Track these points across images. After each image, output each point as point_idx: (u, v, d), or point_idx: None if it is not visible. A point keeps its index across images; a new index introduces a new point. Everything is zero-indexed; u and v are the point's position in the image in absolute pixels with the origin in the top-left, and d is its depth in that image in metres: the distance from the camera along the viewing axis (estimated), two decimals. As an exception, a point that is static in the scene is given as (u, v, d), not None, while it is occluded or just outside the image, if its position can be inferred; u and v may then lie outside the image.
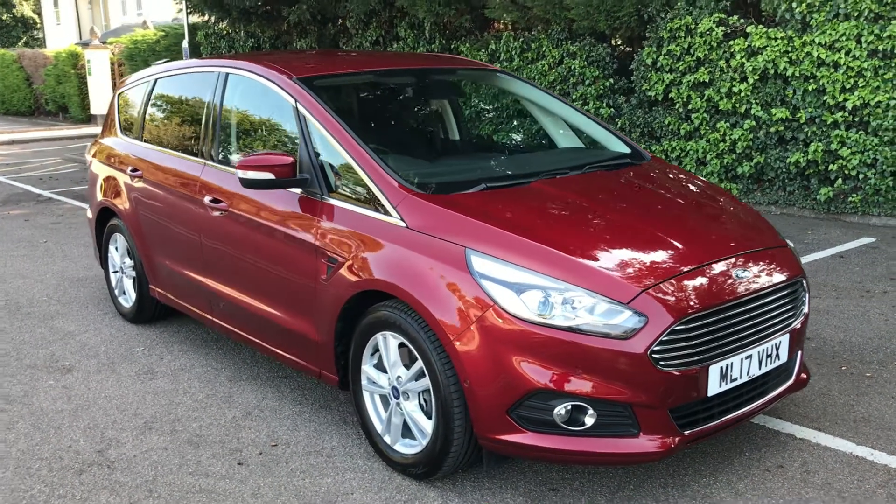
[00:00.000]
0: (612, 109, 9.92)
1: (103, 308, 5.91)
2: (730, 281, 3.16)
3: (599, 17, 9.53)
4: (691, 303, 3.00)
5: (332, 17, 13.30)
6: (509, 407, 2.99)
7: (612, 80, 9.96)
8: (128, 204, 5.19)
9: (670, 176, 4.12)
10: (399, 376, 3.36)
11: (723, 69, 8.76)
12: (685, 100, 9.13)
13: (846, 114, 7.91)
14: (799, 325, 3.43)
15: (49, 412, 4.21)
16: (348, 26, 13.35)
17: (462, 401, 3.09)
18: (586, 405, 2.94)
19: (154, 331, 5.38)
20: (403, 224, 3.34)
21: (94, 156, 5.79)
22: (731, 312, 3.09)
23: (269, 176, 3.71)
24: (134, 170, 5.13)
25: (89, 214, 5.90)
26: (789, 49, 8.21)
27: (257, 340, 4.20)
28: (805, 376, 3.59)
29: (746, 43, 8.51)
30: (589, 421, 2.95)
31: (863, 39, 7.71)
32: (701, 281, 3.10)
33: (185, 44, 15.65)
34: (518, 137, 4.48)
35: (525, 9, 10.39)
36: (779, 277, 3.31)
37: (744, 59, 8.55)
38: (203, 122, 4.58)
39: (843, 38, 7.80)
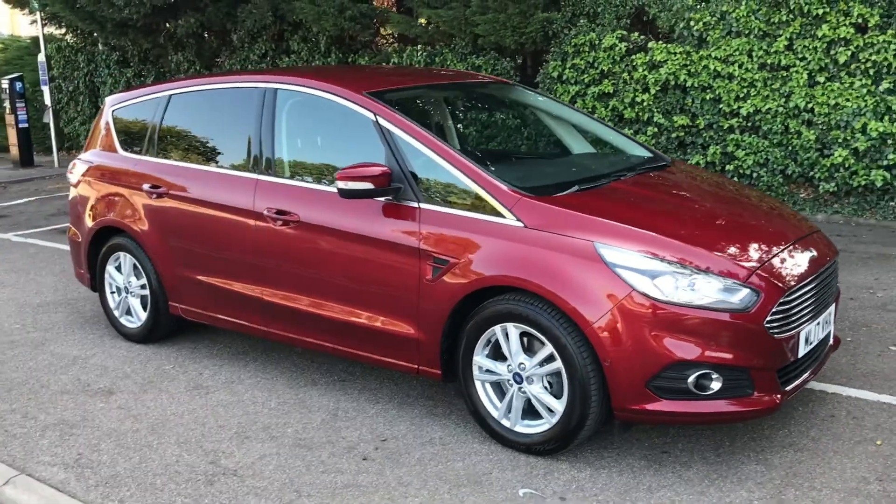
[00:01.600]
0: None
1: (94, 331, 5.75)
2: (806, 260, 3.76)
3: (506, 32, 10.12)
4: (789, 279, 3.57)
5: (218, 29, 13.13)
6: (648, 379, 3.42)
7: (516, 92, 10.58)
8: (145, 221, 5.14)
9: (704, 175, 4.71)
10: (521, 363, 3.70)
11: (626, 81, 9.60)
12: (591, 109, 9.89)
13: (740, 119, 8.94)
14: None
15: (125, 432, 4.18)
16: (234, 40, 13.22)
17: (598, 378, 3.49)
18: (714, 372, 3.42)
19: (167, 349, 5.33)
20: (521, 224, 3.69)
21: (83, 175, 5.63)
22: (812, 286, 3.70)
23: (369, 186, 3.94)
24: (154, 186, 5.09)
25: (76, 237, 5.71)
26: (688, 62, 9.16)
27: (333, 345, 4.37)
28: (838, 339, 4.27)
29: (647, 57, 9.39)
30: (715, 385, 3.43)
31: (753, 54, 8.76)
32: (790, 260, 3.68)
33: (41, 58, 14.80)
34: (558, 144, 4.90)
35: (431, 25, 10.81)
36: (828, 255, 3.96)
37: (646, 72, 9.42)
38: (252, 136, 4.66)
39: (736, 52, 8.83)
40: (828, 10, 8.31)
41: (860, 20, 8.19)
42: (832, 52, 8.38)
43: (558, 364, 3.57)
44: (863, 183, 8.37)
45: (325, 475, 3.68)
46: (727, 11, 8.88)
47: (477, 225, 3.80)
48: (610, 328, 3.42)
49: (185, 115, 5.18)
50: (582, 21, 9.89)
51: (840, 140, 8.39)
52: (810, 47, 8.46)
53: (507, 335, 3.73)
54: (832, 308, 3.98)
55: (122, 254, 5.40)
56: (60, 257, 7.95)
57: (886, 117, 8.14)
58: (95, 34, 14.17)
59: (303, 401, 4.48)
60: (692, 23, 9.05)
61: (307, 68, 6.90)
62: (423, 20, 10.30)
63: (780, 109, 8.69)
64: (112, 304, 5.57)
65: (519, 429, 3.78)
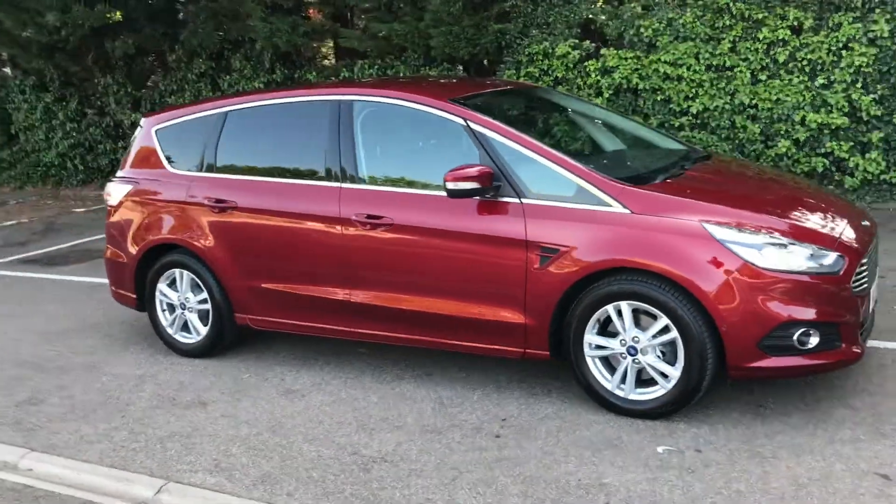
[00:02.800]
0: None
1: (140, 350, 5.78)
2: (865, 230, 4.34)
3: (460, 44, 10.54)
4: (861, 245, 4.13)
5: (153, 50, 12.97)
6: (759, 340, 3.89)
7: (470, 101, 11.01)
8: (209, 236, 5.24)
9: (742, 163, 5.27)
10: (635, 337, 4.10)
11: (580, 86, 10.20)
12: (547, 114, 10.42)
13: (690, 118, 9.67)
14: (873, 262, 4.71)
15: (246, 437, 4.32)
16: (169, 60, 13.10)
17: (712, 344, 3.93)
18: (812, 329, 3.92)
19: (231, 361, 5.44)
20: (628, 211, 4.10)
21: (126, 196, 5.66)
22: (872, 252, 4.27)
23: (476, 185, 4.26)
24: (219, 201, 5.21)
25: (119, 257, 5.72)
26: (639, 67, 9.84)
27: (432, 339, 4.64)
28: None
29: (600, 63, 10.02)
30: (814, 341, 3.94)
31: (700, 57, 9.52)
32: (857, 231, 4.25)
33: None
34: (611, 140, 5.32)
35: (383, 39, 11.11)
36: (873, 227, 4.56)
37: (599, 77, 10.04)
38: (329, 147, 4.87)
39: (684, 55, 9.56)
40: (766, 14, 9.15)
41: (796, 23, 9.05)
42: (772, 52, 9.21)
43: (674, 334, 3.99)
44: (805, 169, 9.23)
45: (470, 453, 3.96)
46: (674, 18, 9.61)
47: (584, 214, 4.18)
48: (726, 297, 3.87)
49: (247, 130, 5.32)
50: (534, 31, 10.43)
51: (782, 132, 9.23)
52: (752, 49, 9.27)
53: (619, 313, 4.11)
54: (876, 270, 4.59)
55: (177, 270, 5.47)
56: (45, 286, 7.81)
57: (823, 110, 9.02)
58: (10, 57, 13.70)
59: (402, 394, 4.73)
60: (642, 29, 9.72)
61: (372, 81, 7.12)
62: (382, 34, 10.57)
63: (727, 107, 9.46)
64: (165, 322, 5.62)
65: (633, 397, 4.17)
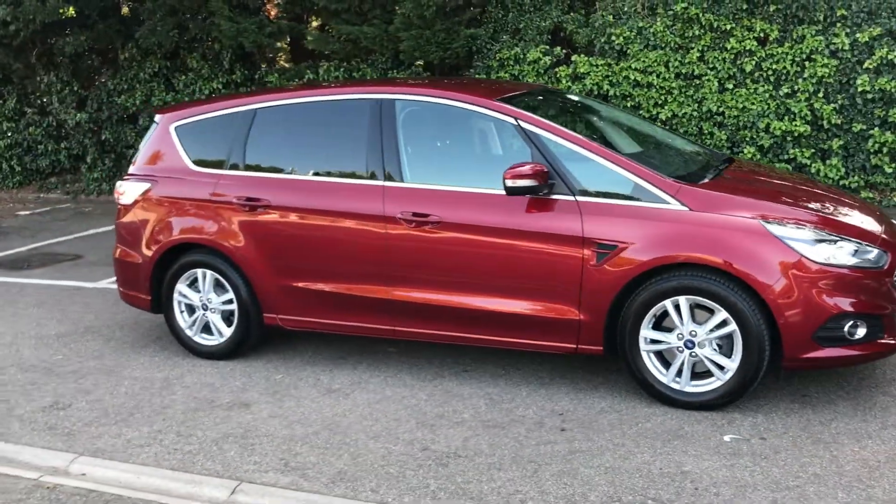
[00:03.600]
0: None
1: (154, 353, 5.63)
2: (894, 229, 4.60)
3: (430, 48, 10.60)
4: (898, 242, 4.39)
5: (101, 47, 12.56)
6: (814, 331, 4.08)
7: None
8: (238, 235, 5.15)
9: (768, 166, 5.49)
10: (693, 331, 4.24)
11: (551, 91, 10.38)
12: (517, 118, 10.57)
13: (660, 124, 9.98)
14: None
15: (305, 436, 4.27)
16: (120, 58, 12.72)
17: (770, 336, 4.11)
18: (860, 320, 4.14)
19: (256, 361, 5.36)
20: (686, 208, 4.25)
21: (143, 195, 5.50)
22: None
23: (533, 183, 4.34)
24: (250, 199, 5.12)
25: (132, 258, 5.55)
26: (609, 74, 10.10)
27: (479, 336, 4.69)
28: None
29: (571, 70, 10.24)
30: (861, 332, 4.16)
31: (669, 65, 9.84)
32: (891, 228, 4.50)
33: None
34: (641, 141, 5.45)
35: (350, 41, 11.07)
36: None
37: (569, 83, 10.26)
38: (371, 145, 4.87)
39: (654, 63, 9.87)
40: (734, 25, 9.53)
41: (762, 34, 9.47)
42: (739, 62, 9.60)
43: (732, 327, 4.15)
44: (769, 175, 9.64)
45: (541, 446, 4.02)
46: (644, 27, 9.91)
47: (642, 211, 4.30)
48: (784, 291, 4.05)
49: (280, 128, 5.25)
50: (505, 37, 10.58)
51: (748, 139, 9.62)
52: (720, 58, 9.65)
53: (676, 307, 4.25)
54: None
55: (199, 270, 5.35)
56: (18, 290, 7.50)
57: (786, 118, 9.45)
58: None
59: (447, 391, 4.75)
60: (613, 37, 9.99)
61: (412, 80, 7.07)
62: (349, 36, 10.53)
63: (695, 113, 9.81)
64: (183, 324, 5.48)
65: (689, 389, 4.31)
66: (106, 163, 13.03)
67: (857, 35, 9.10)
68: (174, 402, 4.79)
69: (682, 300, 4.23)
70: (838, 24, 9.21)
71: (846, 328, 4.11)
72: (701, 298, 4.19)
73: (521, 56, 10.44)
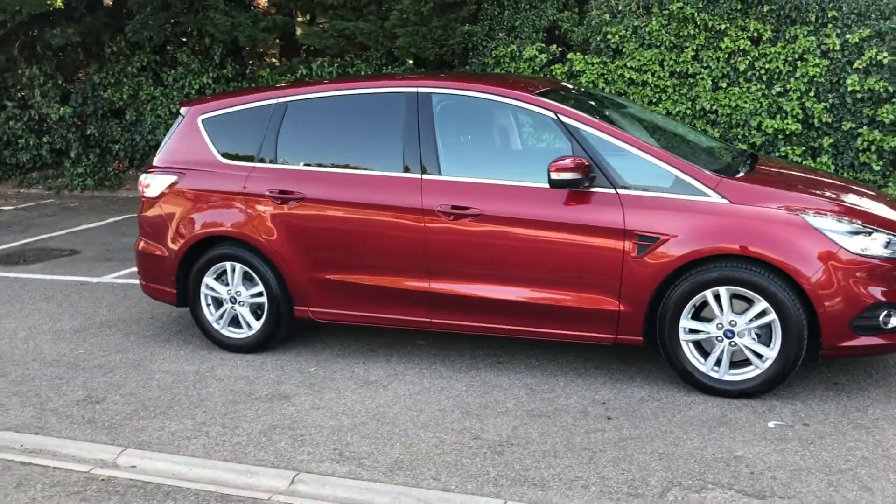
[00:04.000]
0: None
1: (180, 346, 5.61)
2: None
3: (427, 44, 10.63)
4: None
5: (90, 41, 12.39)
6: (851, 320, 4.21)
7: (433, 101, 11.12)
8: (270, 227, 5.15)
9: (787, 162, 5.63)
10: (732, 321, 4.35)
11: (546, 89, 10.48)
12: (513, 115, 10.66)
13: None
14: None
15: (353, 426, 4.30)
16: (107, 52, 12.55)
17: (809, 324, 4.23)
18: (894, 310, 4.28)
19: (286, 355, 5.36)
20: (727, 201, 4.35)
21: (169, 188, 5.47)
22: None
23: (577, 175, 4.42)
24: (284, 192, 5.13)
25: (158, 251, 5.52)
26: (605, 72, 10.23)
27: (516, 327, 4.76)
28: None
29: (566, 67, 10.35)
30: (894, 321, 4.30)
31: (664, 63, 9.99)
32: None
33: None
34: (666, 136, 5.54)
35: (344, 37, 11.07)
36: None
37: (565, 81, 10.36)
38: (407, 138, 4.90)
39: (649, 62, 10.01)
40: (728, 25, 9.71)
41: (755, 34, 9.66)
42: (732, 61, 9.78)
43: (772, 317, 4.27)
44: (761, 172, 9.84)
45: (591, 434, 4.10)
46: (639, 26, 10.05)
47: (684, 204, 4.40)
48: (824, 281, 4.18)
49: (312, 121, 5.25)
50: (501, 34, 10.65)
51: (740, 136, 9.81)
52: (714, 57, 9.82)
53: (716, 297, 4.35)
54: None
55: (228, 263, 5.34)
56: (21, 285, 7.40)
57: (778, 116, 9.66)
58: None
59: (485, 381, 4.80)
60: (609, 36, 10.11)
61: (449, 75, 7.08)
62: (345, 31, 10.52)
63: (689, 111, 9.98)
64: (210, 318, 5.47)
65: (727, 378, 4.42)
66: (91, 158, 12.85)
67: (848, 36, 9.32)
68: (211, 395, 4.78)
69: (723, 290, 4.33)
70: (829, 25, 9.43)
71: (881, 317, 4.25)
72: (741, 289, 4.29)
73: (518, 53, 10.52)
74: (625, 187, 4.50)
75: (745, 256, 4.28)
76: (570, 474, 3.71)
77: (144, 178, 5.64)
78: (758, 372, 4.36)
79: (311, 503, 3.63)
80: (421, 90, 4.98)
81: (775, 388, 4.38)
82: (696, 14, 9.78)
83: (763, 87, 9.69)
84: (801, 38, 9.45)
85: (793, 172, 5.30)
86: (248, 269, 5.29)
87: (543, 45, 10.50)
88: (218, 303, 5.46)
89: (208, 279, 5.42)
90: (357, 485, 3.72)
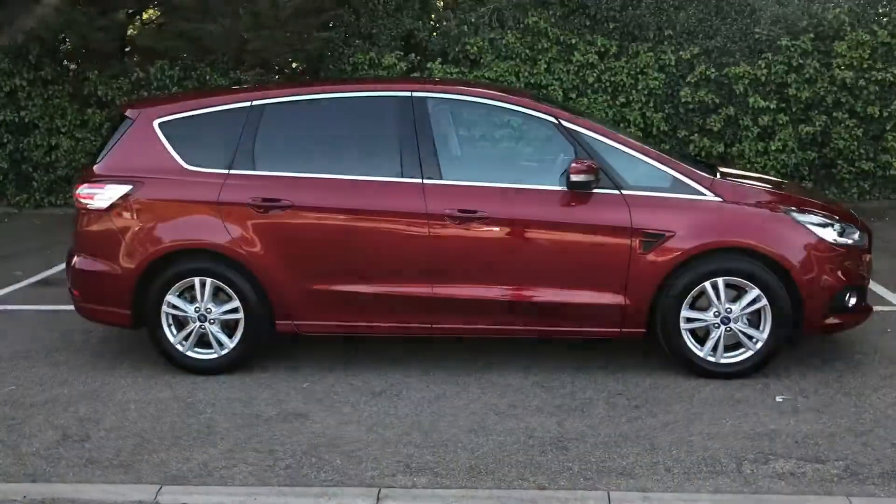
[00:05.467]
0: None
1: (125, 373, 5.11)
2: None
3: (282, 49, 10.35)
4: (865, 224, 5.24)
5: None
6: (827, 301, 4.79)
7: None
8: (251, 238, 4.85)
9: (738, 166, 6.20)
10: (728, 308, 4.77)
11: (405, 97, 10.61)
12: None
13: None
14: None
15: (401, 437, 4.19)
16: None
17: (794, 309, 4.74)
18: (855, 291, 4.92)
19: (263, 374, 5.06)
20: (720, 199, 4.77)
21: (123, 199, 4.95)
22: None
23: (591, 177, 4.64)
24: (268, 199, 4.85)
25: (111, 269, 4.98)
26: (464, 81, 10.54)
27: (523, 326, 4.88)
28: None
29: (426, 75, 10.55)
30: (853, 301, 4.92)
31: (519, 75, 10.49)
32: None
33: None
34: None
35: (187, 38, 10.49)
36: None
37: (424, 89, 10.55)
38: (405, 142, 4.84)
39: (506, 73, 10.47)
40: (578, 40, 10.41)
41: (602, 48, 10.44)
42: (581, 73, 10.48)
43: (763, 302, 4.73)
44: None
45: (634, 423, 4.31)
46: (495, 38, 10.48)
47: (683, 203, 4.75)
48: (808, 269, 4.70)
49: (294, 125, 4.99)
50: (357, 41, 10.62)
51: (589, 143, 10.54)
52: (565, 70, 10.48)
53: (714, 287, 4.75)
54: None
55: (197, 279, 4.95)
56: None
57: (622, 125, 10.50)
58: None
59: (495, 382, 4.87)
60: (468, 47, 10.44)
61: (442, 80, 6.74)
62: (190, 33, 9.97)
63: (543, 120, 10.55)
64: (173, 339, 5.03)
65: (723, 361, 4.83)
66: None
67: (681, 53, 10.35)
68: (215, 421, 4.42)
69: (720, 281, 4.73)
70: (665, 43, 10.41)
71: (847, 298, 4.86)
72: (737, 279, 4.71)
73: (377, 61, 10.54)
74: (628, 188, 4.77)
75: (740, 249, 4.70)
76: (646, 460, 3.90)
77: (85, 189, 5.06)
78: (750, 353, 4.80)
79: (410, 517, 3.51)
80: (415, 94, 4.93)
81: (763, 367, 4.84)
82: (549, 29, 10.37)
83: (609, 98, 10.48)
84: (642, 54, 10.33)
85: (753, 175, 5.85)
86: (220, 283, 4.93)
87: (402, 53, 10.60)
88: (180, 323, 5.03)
89: (171, 297, 4.98)
90: (450, 493, 3.65)
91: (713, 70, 10.32)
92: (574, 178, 4.59)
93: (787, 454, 3.93)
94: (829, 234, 4.80)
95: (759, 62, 10.23)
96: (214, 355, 5.03)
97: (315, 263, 4.87)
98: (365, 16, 10.65)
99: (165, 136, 5.02)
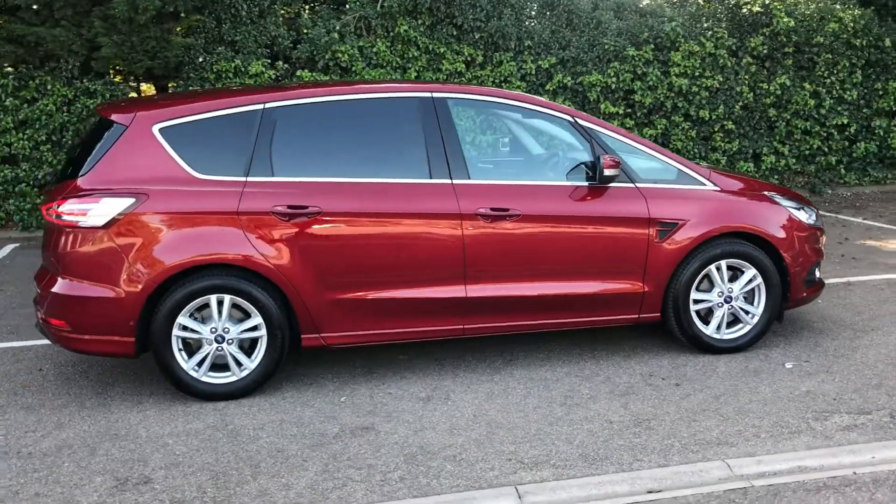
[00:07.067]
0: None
1: (136, 406, 4.60)
2: (791, 198, 6.16)
3: (137, 55, 9.67)
4: (812, 207, 5.93)
5: None
6: (804, 277, 5.38)
7: (140, 119, 10.13)
8: (279, 248, 4.57)
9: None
10: (731, 289, 5.21)
11: (274, 106, 10.29)
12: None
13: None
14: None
15: (477, 440, 4.15)
16: None
17: (782, 285, 5.29)
18: (818, 266, 5.56)
19: (271, 396, 4.78)
20: (717, 188, 5.20)
21: (124, 213, 4.44)
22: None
23: (616, 172, 4.90)
24: (295, 206, 4.59)
25: (107, 293, 4.47)
26: (334, 89, 10.41)
27: (553, 320, 5.00)
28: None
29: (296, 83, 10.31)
30: (816, 275, 5.56)
31: (390, 83, 10.56)
32: (801, 198, 6.04)
33: None
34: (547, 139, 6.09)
35: (20, 45, 9.48)
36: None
37: (293, 98, 10.30)
38: (430, 143, 4.79)
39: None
40: (446, 49, 10.66)
41: (469, 58, 10.77)
42: (450, 82, 10.75)
43: (759, 281, 5.21)
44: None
45: (689, 399, 4.58)
46: (365, 46, 10.46)
47: (691, 193, 5.12)
48: (793, 248, 5.25)
49: (312, 129, 4.74)
50: (220, 48, 10.14)
51: (458, 150, 10.83)
52: (434, 78, 10.68)
53: (718, 270, 5.17)
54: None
55: (213, 297, 4.57)
56: None
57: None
58: None
59: (532, 377, 4.93)
60: (339, 55, 10.33)
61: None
62: (27, 37, 9.04)
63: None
64: (185, 365, 4.61)
65: (726, 337, 5.25)
66: None
67: (540, 62, 10.93)
68: (280, 446, 4.11)
69: (723, 264, 5.15)
70: (526, 53, 10.95)
71: (814, 273, 5.48)
72: (738, 261, 5.16)
73: (242, 69, 10.13)
74: (640, 181, 5.06)
75: (739, 233, 5.15)
76: (731, 429, 4.17)
77: (73, 205, 4.47)
78: (748, 328, 5.27)
79: (566, 509, 3.52)
80: (435, 94, 4.89)
81: (758, 341, 5.32)
82: (418, 38, 10.52)
83: (475, 105, 10.80)
84: (506, 63, 10.80)
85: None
86: (239, 300, 4.59)
87: (269, 60, 10.27)
88: (189, 347, 4.62)
89: (183, 319, 4.55)
90: (587, 481, 3.70)
91: (569, 78, 10.99)
92: (608, 172, 4.80)
93: (836, 409, 4.38)
94: (804, 216, 5.39)
95: (609, 70, 11.04)
96: (233, 378, 4.65)
97: (345, 271, 4.67)
98: (227, 22, 10.17)
99: (169, 142, 4.57)
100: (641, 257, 5.00)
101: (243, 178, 4.60)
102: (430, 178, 4.78)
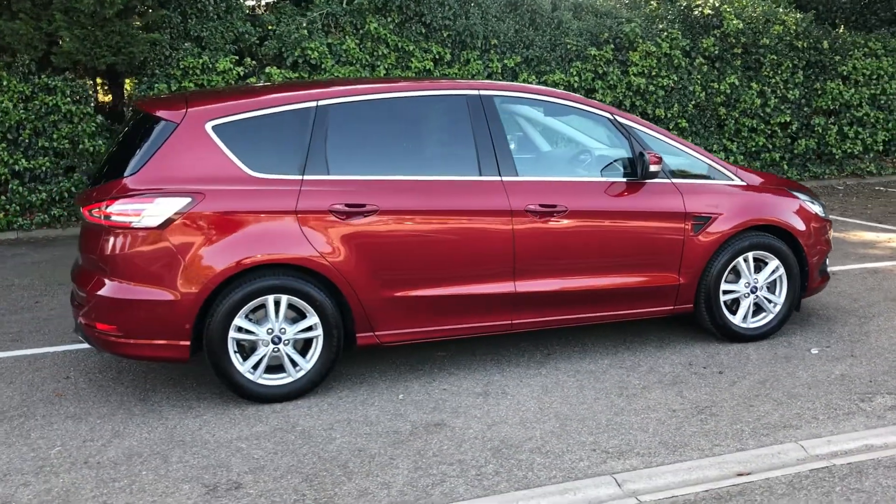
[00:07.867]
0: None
1: (187, 410, 4.47)
2: (792, 193, 6.46)
3: (100, 51, 9.34)
4: (815, 201, 6.23)
5: None
6: (818, 267, 5.67)
7: (102, 117, 9.81)
8: (336, 246, 4.54)
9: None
10: (756, 279, 5.44)
11: (242, 103, 10.10)
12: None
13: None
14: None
15: (552, 432, 4.22)
16: None
17: (801, 275, 5.55)
18: (827, 258, 5.86)
19: (325, 396, 4.73)
20: (745, 183, 5.42)
21: (179, 214, 4.32)
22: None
23: (659, 168, 5.05)
24: (352, 205, 4.56)
25: (160, 296, 4.34)
26: (304, 87, 10.29)
27: (596, 313, 5.11)
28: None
29: (262, 81, 10.15)
30: (827, 265, 5.87)
31: (360, 80, 10.50)
32: (804, 192, 6.34)
33: None
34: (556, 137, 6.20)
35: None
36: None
37: (262, 95, 10.12)
38: (479, 141, 4.82)
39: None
40: (415, 47, 10.67)
41: (437, 55, 10.80)
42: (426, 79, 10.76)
43: (781, 271, 5.46)
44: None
45: (736, 386, 4.76)
46: (334, 43, 10.37)
47: (722, 188, 5.32)
48: (810, 238, 5.51)
49: (364, 126, 4.69)
50: (186, 44, 9.88)
51: (426, 148, 10.86)
52: (403, 75, 10.68)
53: (745, 261, 5.39)
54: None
55: (271, 297, 4.50)
56: None
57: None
58: None
59: (579, 370, 5.03)
60: (308, 52, 10.21)
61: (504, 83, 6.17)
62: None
63: (382, 126, 10.65)
64: (241, 368, 4.52)
65: (752, 325, 5.47)
66: None
67: (506, 61, 11.07)
68: (359, 445, 4.08)
69: (750, 255, 5.37)
70: (492, 51, 11.06)
71: (826, 262, 5.78)
72: (763, 252, 5.39)
73: (210, 65, 9.89)
74: (675, 176, 5.22)
75: (765, 226, 5.38)
76: (788, 413, 4.37)
77: (124, 205, 4.32)
78: (771, 317, 5.51)
79: (668, 494, 3.62)
80: (483, 92, 4.93)
81: (780, 329, 5.56)
82: (388, 35, 10.50)
83: (443, 103, 10.84)
84: (473, 61, 10.89)
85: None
86: (296, 299, 4.53)
87: (236, 56, 10.07)
88: (244, 348, 4.53)
89: (239, 320, 4.46)
90: (678, 467, 3.81)
91: (534, 77, 11.16)
92: (652, 168, 4.93)
93: (877, 391, 4.64)
94: (817, 209, 5.67)
95: (571, 70, 11.27)
96: (289, 379, 4.58)
97: (400, 269, 4.66)
98: (192, 17, 9.91)
99: (223, 140, 4.47)
100: (678, 250, 5.16)
101: (300, 177, 4.53)
102: (480, 175, 4.82)
